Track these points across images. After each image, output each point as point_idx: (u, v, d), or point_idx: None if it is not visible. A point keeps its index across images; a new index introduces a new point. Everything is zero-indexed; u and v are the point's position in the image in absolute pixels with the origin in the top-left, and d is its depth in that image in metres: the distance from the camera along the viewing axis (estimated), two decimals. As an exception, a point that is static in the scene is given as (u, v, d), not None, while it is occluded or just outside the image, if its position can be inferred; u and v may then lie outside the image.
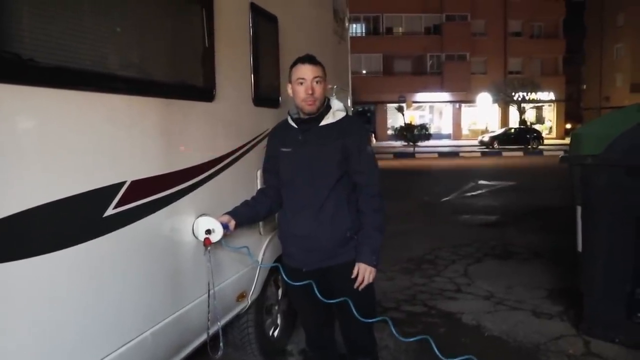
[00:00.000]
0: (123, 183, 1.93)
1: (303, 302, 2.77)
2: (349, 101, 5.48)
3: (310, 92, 2.48)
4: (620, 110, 3.90)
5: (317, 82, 2.49)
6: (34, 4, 1.59)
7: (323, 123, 2.56)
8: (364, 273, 2.50)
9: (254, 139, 2.98)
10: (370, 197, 2.55)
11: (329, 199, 2.50)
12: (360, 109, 38.28)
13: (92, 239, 1.79)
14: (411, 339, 2.67)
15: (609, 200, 3.63)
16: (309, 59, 2.53)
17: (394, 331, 2.48)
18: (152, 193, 2.11)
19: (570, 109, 44.62)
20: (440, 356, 2.29)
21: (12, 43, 1.49)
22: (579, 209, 3.76)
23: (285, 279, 2.67)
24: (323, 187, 2.51)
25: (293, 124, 2.61)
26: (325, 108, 2.58)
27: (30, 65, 1.54)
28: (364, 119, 37.93)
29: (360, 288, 2.52)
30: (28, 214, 1.54)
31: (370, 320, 2.59)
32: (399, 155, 26.66)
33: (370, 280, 2.53)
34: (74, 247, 1.71)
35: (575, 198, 3.77)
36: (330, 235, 2.52)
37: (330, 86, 4.52)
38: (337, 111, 2.60)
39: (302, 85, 2.49)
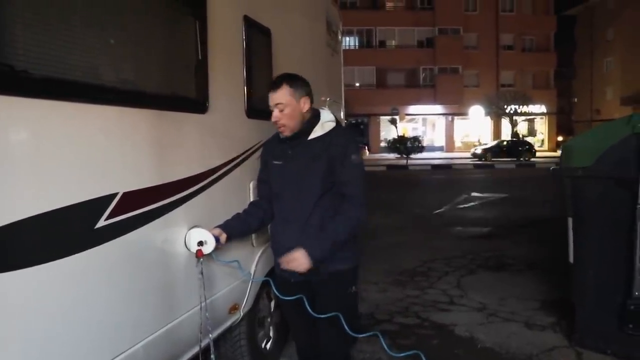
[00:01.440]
0: (115, 194, 1.92)
1: (293, 314, 2.76)
2: (342, 113, 5.51)
3: (275, 120, 2.49)
4: (610, 123, 3.94)
5: (280, 110, 2.47)
6: (27, 16, 1.59)
7: (312, 137, 2.54)
8: (296, 257, 2.42)
9: (246, 151, 2.99)
10: (352, 206, 2.48)
11: (315, 212, 2.49)
12: (354, 121, 38.42)
13: (83, 250, 1.78)
14: (402, 354, 2.60)
15: (599, 212, 3.66)
16: (271, 84, 2.51)
17: (384, 346, 2.46)
18: (144, 205, 2.11)
19: (561, 122, 44.98)
20: None
21: (5, 54, 1.49)
22: (570, 221, 3.78)
23: (276, 292, 2.66)
24: (309, 201, 2.49)
25: (284, 137, 2.60)
26: (314, 121, 2.55)
27: (22, 76, 1.54)
28: (358, 131, 38.07)
29: (281, 266, 2.47)
30: (19, 225, 1.53)
31: (361, 335, 2.54)
32: (392, 167, 26.74)
33: (295, 269, 2.45)
34: (64, 259, 1.70)
35: (567, 209, 3.79)
36: None
37: (323, 98, 4.55)
38: (327, 122, 2.57)
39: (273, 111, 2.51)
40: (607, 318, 3.67)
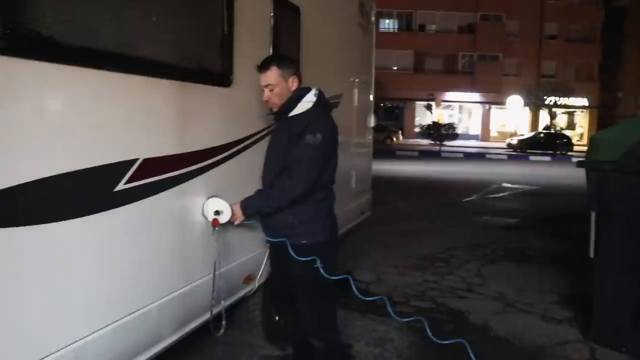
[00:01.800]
0: (135, 160, 2.00)
1: (273, 255, 2.87)
2: (371, 95, 5.49)
3: (265, 99, 2.61)
4: (642, 117, 3.84)
5: (270, 90, 2.57)
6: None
7: (291, 114, 2.62)
8: (235, 210, 2.59)
9: (269, 127, 3.03)
10: (289, 180, 2.53)
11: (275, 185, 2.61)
12: (389, 105, 38.18)
13: (102, 211, 1.87)
14: (405, 319, 2.89)
15: (625, 207, 3.58)
16: (260, 66, 2.58)
17: (389, 309, 2.60)
18: (164, 171, 2.19)
19: (604, 117, 43.61)
20: (431, 337, 2.50)
21: (43, 24, 1.58)
22: (593, 215, 3.72)
23: (265, 236, 2.75)
24: (271, 174, 2.63)
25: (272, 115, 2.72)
26: (297, 100, 2.61)
27: (54, 44, 1.63)
28: (392, 115, 37.83)
29: (236, 223, 2.61)
30: (44, 182, 1.62)
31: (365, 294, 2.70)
32: (424, 153, 26.49)
33: (235, 219, 2.59)
34: (84, 217, 1.80)
35: (590, 203, 3.73)
36: (274, 217, 2.62)
37: (351, 79, 4.56)
38: (305, 102, 2.62)
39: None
40: (624, 315, 3.61)
